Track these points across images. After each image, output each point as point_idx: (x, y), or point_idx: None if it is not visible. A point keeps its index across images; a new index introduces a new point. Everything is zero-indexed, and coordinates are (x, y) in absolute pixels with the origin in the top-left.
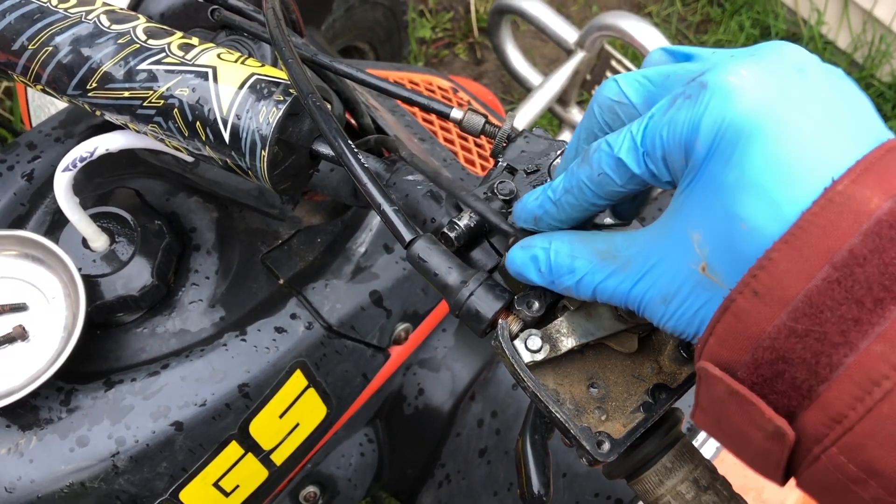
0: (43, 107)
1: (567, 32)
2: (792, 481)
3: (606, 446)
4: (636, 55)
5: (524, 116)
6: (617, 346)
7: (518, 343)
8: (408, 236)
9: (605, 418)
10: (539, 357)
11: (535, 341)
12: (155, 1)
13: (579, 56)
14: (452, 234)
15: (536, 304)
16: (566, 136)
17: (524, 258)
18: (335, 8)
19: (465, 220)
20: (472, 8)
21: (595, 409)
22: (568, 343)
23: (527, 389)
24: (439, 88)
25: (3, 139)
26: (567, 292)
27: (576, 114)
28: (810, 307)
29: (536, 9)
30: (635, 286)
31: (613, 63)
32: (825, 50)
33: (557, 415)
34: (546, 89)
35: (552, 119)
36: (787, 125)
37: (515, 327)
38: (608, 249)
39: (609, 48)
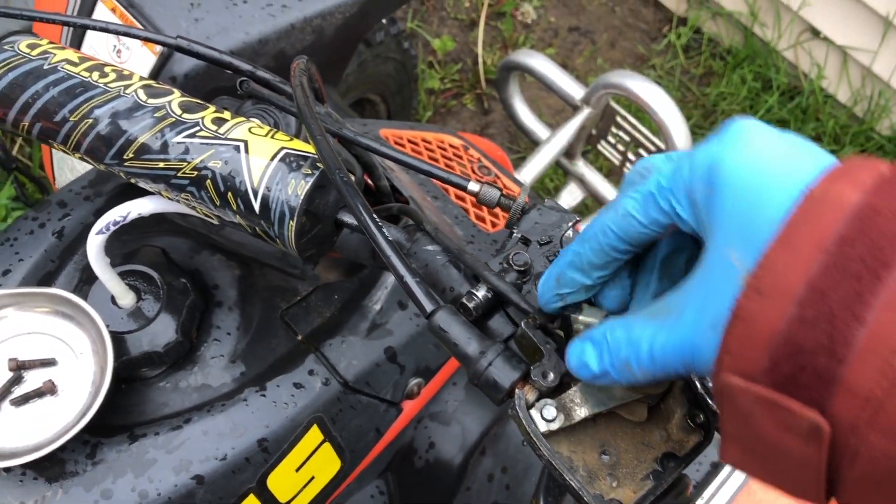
0: (65, 158)
1: (573, 89)
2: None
3: None
4: (640, 112)
5: (532, 169)
6: (628, 414)
7: (534, 412)
8: (429, 307)
9: (616, 485)
10: (554, 426)
11: (550, 411)
12: (179, 63)
13: (585, 112)
14: (471, 305)
15: (552, 375)
16: (572, 187)
17: (581, 347)
18: (349, 63)
19: (482, 291)
20: (480, 60)
21: (607, 475)
22: (581, 412)
23: (542, 457)
24: (451, 146)
25: (21, 184)
26: (627, 371)
27: (581, 166)
28: (814, 293)
29: (544, 66)
30: (690, 329)
31: (618, 119)
32: (826, 103)
33: (571, 482)
34: (553, 144)
35: (556, 170)
36: (781, 150)
37: (532, 397)
38: (660, 308)
39: (614, 104)
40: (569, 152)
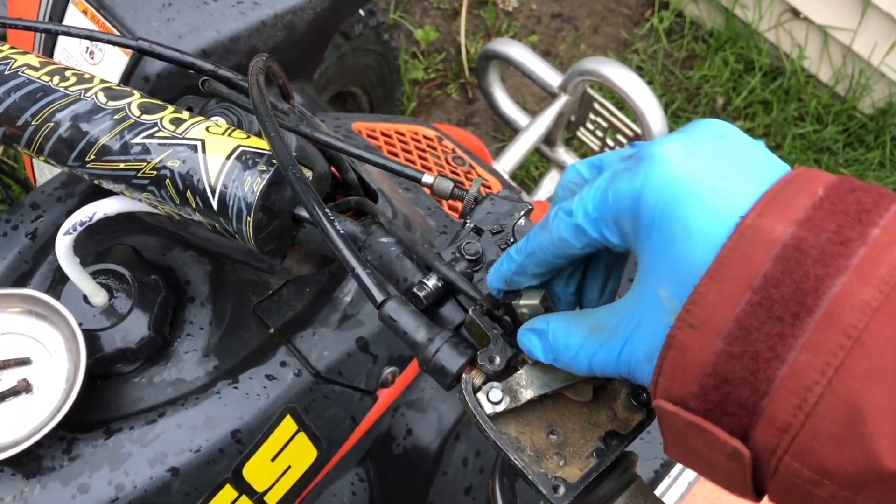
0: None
1: (551, 77)
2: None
3: (562, 490)
4: (617, 98)
5: (511, 157)
6: (574, 395)
7: (480, 395)
8: (379, 297)
9: (563, 463)
10: (500, 408)
11: (496, 394)
12: (150, 63)
13: (563, 100)
14: (422, 294)
15: (498, 359)
16: (553, 174)
17: (529, 339)
18: (327, 56)
19: (433, 281)
20: (463, 49)
21: (554, 454)
22: (527, 394)
23: (489, 438)
24: (425, 138)
25: (6, 186)
26: (569, 368)
27: (562, 153)
28: (740, 330)
29: (522, 55)
30: (622, 353)
31: (596, 105)
32: (808, 83)
33: (516, 461)
34: (532, 131)
35: (540, 159)
36: (706, 179)
37: (478, 380)
38: (596, 323)
39: (591, 91)
40: (549, 140)
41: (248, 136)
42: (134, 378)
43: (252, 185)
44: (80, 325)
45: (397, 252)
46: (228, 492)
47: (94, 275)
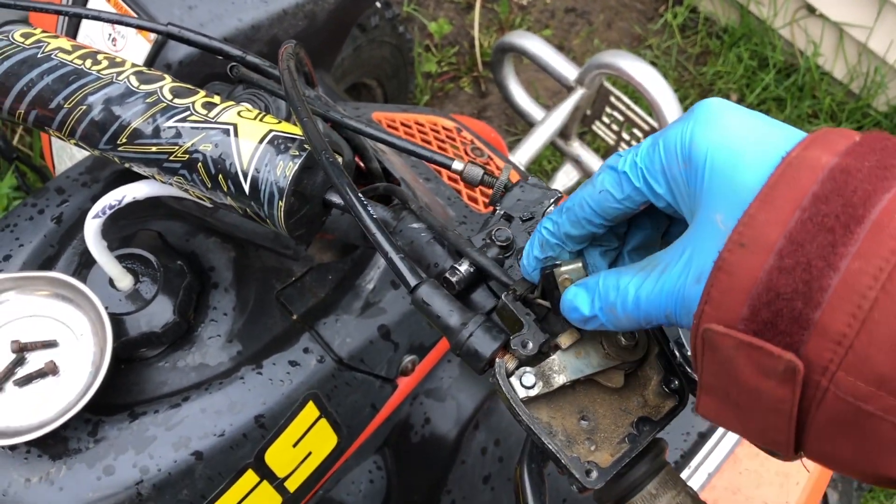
0: (65, 146)
1: (567, 70)
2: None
3: (594, 474)
4: (634, 92)
5: (527, 151)
6: (605, 381)
7: (514, 380)
8: (413, 282)
9: (594, 448)
10: (533, 393)
11: (529, 378)
12: (174, 50)
13: (579, 93)
14: (454, 279)
15: (531, 344)
16: (568, 167)
17: (575, 294)
18: (343, 47)
19: (465, 266)
20: (477, 42)
21: (585, 440)
22: (560, 379)
23: (521, 423)
24: (444, 129)
25: (23, 174)
26: (614, 315)
27: (577, 147)
28: (792, 244)
29: (538, 48)
30: (673, 280)
31: (612, 99)
32: (822, 80)
33: (549, 445)
34: (547, 125)
35: (553, 153)
36: (753, 124)
37: (511, 365)
38: (648, 262)
39: (608, 85)
40: (564, 133)
41: (280, 122)
42: (158, 362)
43: (284, 169)
44: (106, 308)
45: (428, 238)
46: (250, 476)
47: (120, 259)
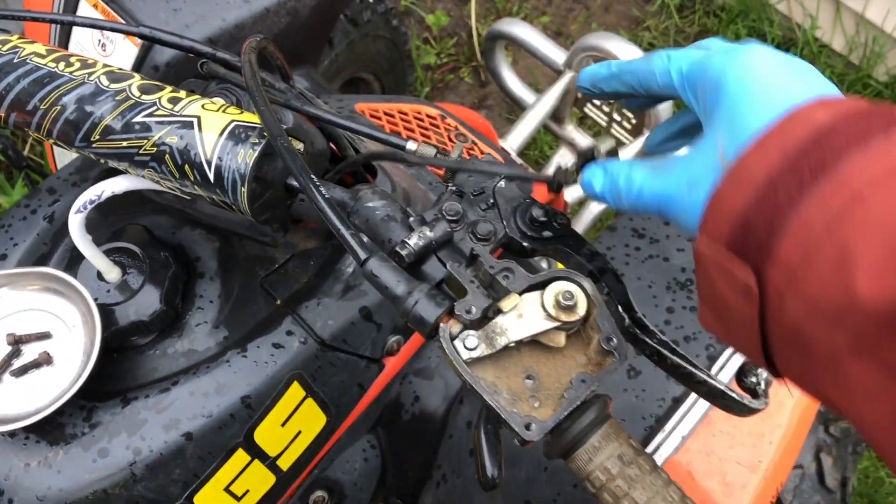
0: (66, 152)
1: (555, 54)
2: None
3: (534, 427)
4: None
5: (519, 135)
6: (548, 342)
7: (457, 343)
8: (362, 255)
9: (538, 405)
10: (476, 354)
11: (472, 340)
12: (160, 53)
13: (568, 76)
14: (404, 253)
15: (474, 309)
16: (563, 151)
17: (594, 171)
18: (337, 43)
19: (414, 240)
20: (475, 33)
21: (530, 397)
22: (502, 341)
23: (465, 383)
24: (427, 116)
25: (34, 182)
26: (618, 198)
27: (571, 130)
28: (769, 185)
29: (526, 34)
30: (671, 184)
31: None
32: (821, 53)
33: (491, 402)
34: (538, 109)
35: (555, 139)
36: (781, 75)
37: (456, 329)
38: (660, 162)
39: None
40: (558, 118)
41: (242, 112)
42: (148, 350)
43: (245, 156)
44: (95, 300)
45: (382, 215)
46: (241, 456)
47: (108, 253)
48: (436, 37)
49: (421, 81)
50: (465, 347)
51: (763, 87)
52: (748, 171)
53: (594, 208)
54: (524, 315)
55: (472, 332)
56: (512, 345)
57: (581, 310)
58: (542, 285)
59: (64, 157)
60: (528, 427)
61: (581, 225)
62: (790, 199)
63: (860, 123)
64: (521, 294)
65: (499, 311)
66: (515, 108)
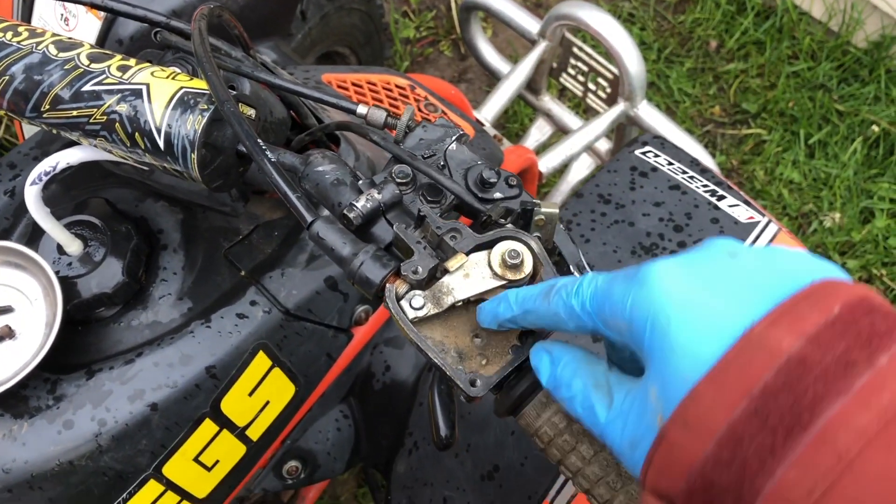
0: (34, 128)
1: (529, 24)
2: None
3: (479, 383)
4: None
5: (494, 105)
6: None
7: (403, 303)
8: (308, 218)
9: (485, 363)
10: (422, 313)
11: (418, 300)
12: (123, 27)
13: (542, 46)
14: (351, 215)
15: (420, 269)
16: (540, 122)
17: (541, 358)
18: (310, 17)
19: (362, 202)
20: (454, 5)
21: (477, 355)
22: (449, 300)
23: (412, 341)
24: (396, 87)
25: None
26: (561, 402)
27: (547, 101)
28: (733, 437)
29: (499, 3)
30: (613, 425)
31: (575, 50)
32: (800, 21)
33: (436, 360)
34: (512, 79)
35: (526, 107)
36: (699, 298)
37: (402, 289)
38: (604, 384)
39: (570, 36)
40: (534, 88)
41: (192, 79)
42: (113, 322)
43: (194, 123)
44: (56, 273)
45: (332, 179)
46: (209, 426)
47: (69, 226)
48: (414, 10)
49: (400, 55)
50: (412, 307)
51: (679, 319)
52: (705, 416)
53: (572, 178)
54: (471, 274)
55: (418, 292)
56: (459, 304)
57: (527, 268)
58: (489, 245)
59: (31, 133)
60: (473, 383)
61: (560, 195)
62: (761, 460)
63: (836, 349)
64: (468, 254)
65: (445, 271)
66: (495, 82)
